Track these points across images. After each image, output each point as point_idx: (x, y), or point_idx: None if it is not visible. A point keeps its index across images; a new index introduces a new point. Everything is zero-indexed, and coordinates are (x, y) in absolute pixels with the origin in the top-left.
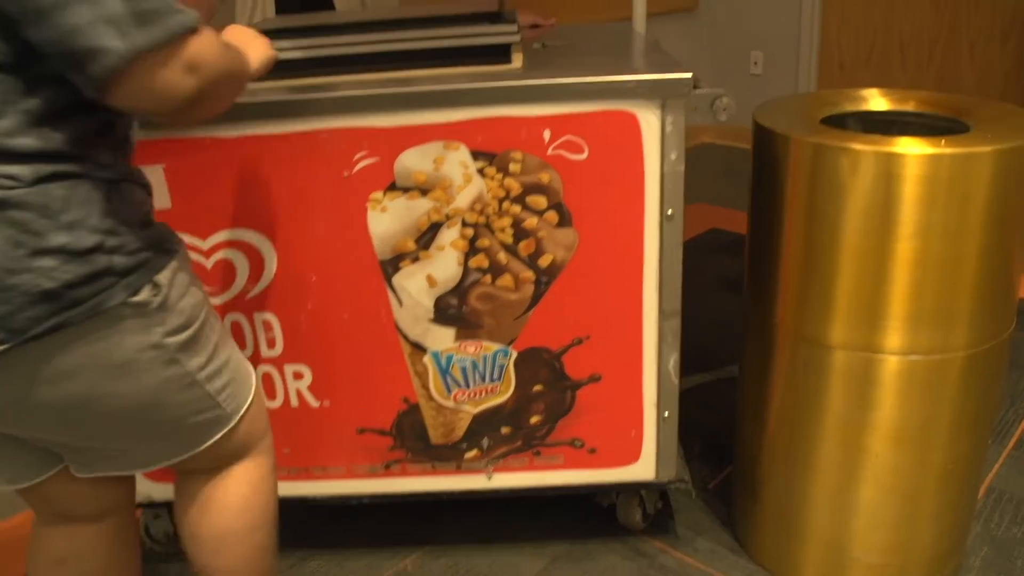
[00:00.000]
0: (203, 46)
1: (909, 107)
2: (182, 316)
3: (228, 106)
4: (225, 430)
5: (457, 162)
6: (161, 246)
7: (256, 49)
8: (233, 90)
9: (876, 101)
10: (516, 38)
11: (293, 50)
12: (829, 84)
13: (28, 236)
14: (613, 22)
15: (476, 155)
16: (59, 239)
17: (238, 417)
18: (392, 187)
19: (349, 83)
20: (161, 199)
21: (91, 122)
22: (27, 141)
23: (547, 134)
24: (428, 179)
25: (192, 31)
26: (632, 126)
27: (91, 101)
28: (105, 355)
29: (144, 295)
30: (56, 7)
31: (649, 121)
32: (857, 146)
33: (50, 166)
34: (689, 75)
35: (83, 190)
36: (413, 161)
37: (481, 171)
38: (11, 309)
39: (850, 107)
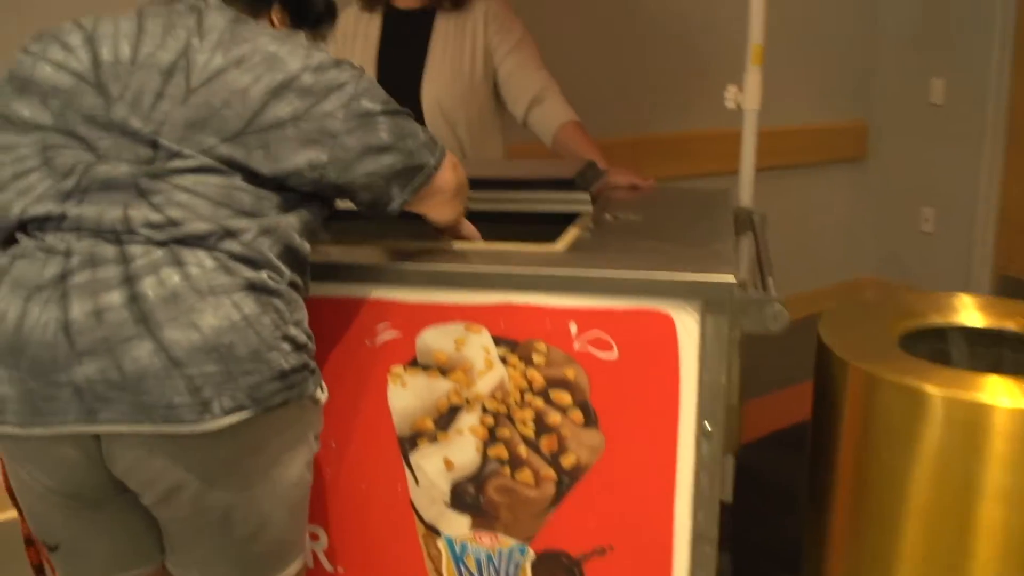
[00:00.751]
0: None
1: (1011, 325)
2: (322, 423)
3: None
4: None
5: (479, 346)
6: (314, 358)
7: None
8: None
9: (970, 314)
10: (584, 208)
11: None
12: (1008, 251)
13: (281, 323)
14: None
15: (498, 341)
16: (292, 331)
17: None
18: (413, 363)
19: (386, 247)
20: None
21: (310, 244)
22: (277, 258)
23: (573, 327)
24: (449, 360)
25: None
26: (667, 328)
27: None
28: (288, 435)
29: (319, 393)
30: (404, 136)
31: (686, 325)
32: (928, 387)
33: (292, 273)
34: (732, 278)
35: (300, 297)
36: (434, 339)
37: (503, 358)
38: (261, 381)
39: (939, 318)
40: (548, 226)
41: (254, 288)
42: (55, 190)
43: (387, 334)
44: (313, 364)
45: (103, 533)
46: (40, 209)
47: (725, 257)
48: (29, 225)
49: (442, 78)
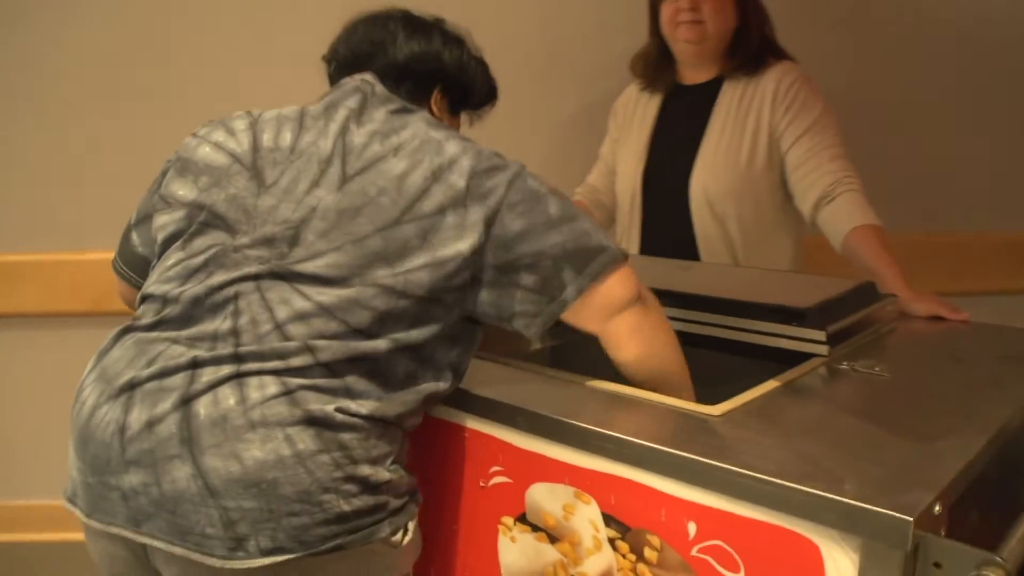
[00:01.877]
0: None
1: None
2: (407, 565)
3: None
4: None
5: (587, 519)
6: (414, 494)
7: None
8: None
9: None
10: (813, 349)
11: None
12: None
13: (346, 462)
14: None
15: (608, 520)
16: (364, 470)
17: None
18: (523, 518)
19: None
20: None
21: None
22: (364, 386)
23: (692, 528)
24: (557, 526)
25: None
26: (812, 560)
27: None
28: None
29: (398, 536)
30: (576, 215)
31: (838, 563)
32: None
33: (386, 405)
34: (910, 516)
35: (391, 431)
36: (543, 498)
37: (612, 542)
38: (309, 523)
39: None
40: (769, 363)
41: (315, 422)
42: (182, 267)
43: (499, 478)
44: (396, 503)
45: None
46: (158, 289)
47: (939, 470)
48: (147, 301)
49: (715, 163)
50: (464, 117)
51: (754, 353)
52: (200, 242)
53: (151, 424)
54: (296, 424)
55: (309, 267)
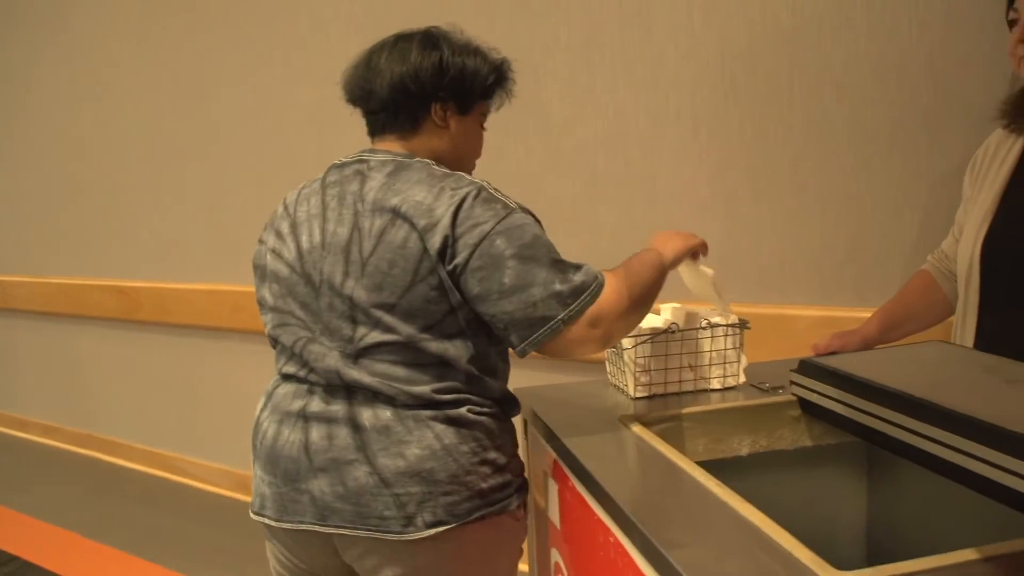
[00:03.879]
0: (604, 303)
1: None
2: (522, 540)
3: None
4: None
5: None
6: (522, 475)
7: (673, 245)
8: (647, 300)
9: None
10: None
11: (826, 398)
12: None
13: (480, 449)
14: None
15: None
16: (492, 455)
17: None
18: None
19: None
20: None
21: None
22: (486, 386)
23: None
24: None
25: (599, 292)
26: None
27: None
28: (489, 546)
29: (522, 510)
30: (529, 285)
31: None
32: None
33: (491, 404)
34: None
35: (503, 424)
36: None
37: None
38: (458, 500)
39: None
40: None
41: (453, 422)
42: (290, 353)
43: None
44: (518, 481)
45: None
46: (287, 369)
47: None
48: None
49: None
50: (494, 102)
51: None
52: (288, 337)
53: (331, 438)
54: (441, 424)
55: (368, 342)
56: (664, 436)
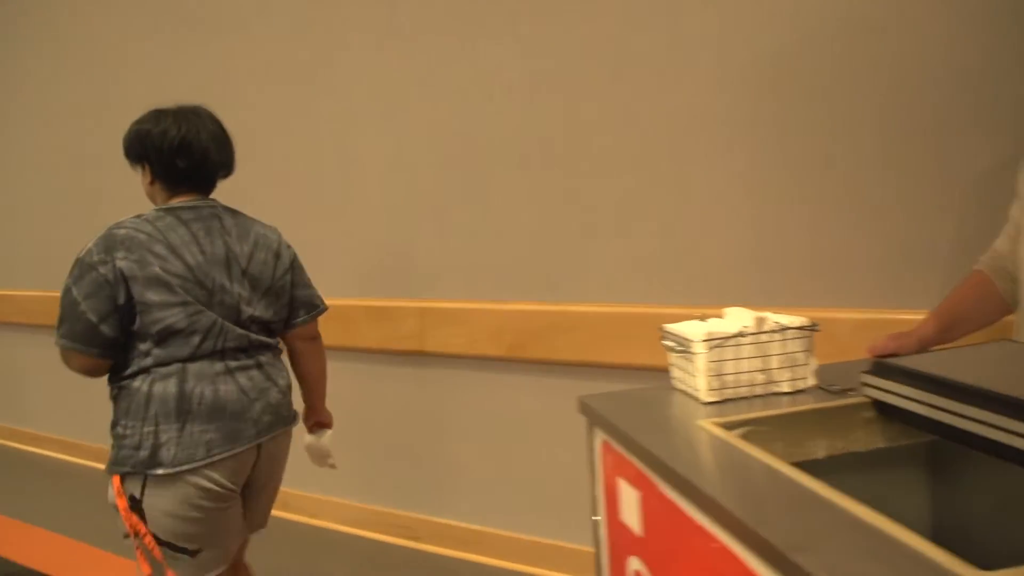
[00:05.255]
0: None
1: None
2: None
3: None
4: None
5: None
6: None
7: None
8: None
9: None
10: None
11: (905, 399)
12: None
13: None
14: None
15: None
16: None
17: None
18: None
19: None
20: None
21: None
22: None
23: None
24: None
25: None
26: None
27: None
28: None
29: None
30: (311, 285)
31: None
32: None
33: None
34: None
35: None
36: None
37: None
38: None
39: None
40: None
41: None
42: (208, 337)
43: None
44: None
45: (235, 519)
46: (205, 347)
47: None
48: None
49: None
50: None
51: None
52: (203, 322)
53: (251, 379)
54: (282, 366)
55: (247, 318)
56: (745, 439)
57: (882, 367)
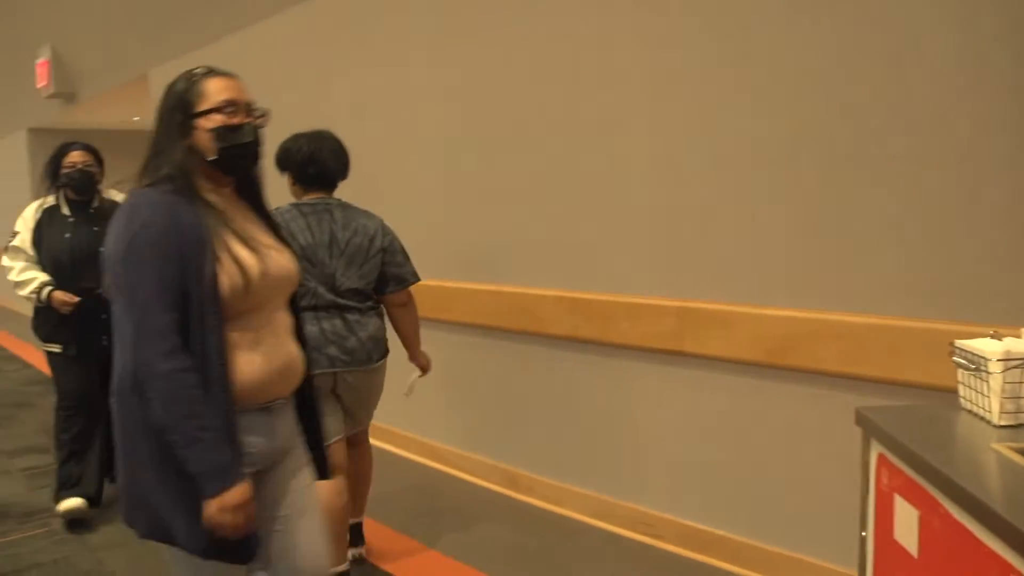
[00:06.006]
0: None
1: None
2: None
3: None
4: None
5: None
6: None
7: None
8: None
9: None
10: None
11: None
12: None
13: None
14: None
15: None
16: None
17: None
18: None
19: None
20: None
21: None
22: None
23: None
24: None
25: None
26: None
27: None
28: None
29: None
30: (404, 264)
31: None
32: None
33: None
34: None
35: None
36: None
37: None
38: (385, 350)
39: None
40: None
41: (378, 316)
42: (307, 296)
43: None
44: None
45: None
46: (305, 302)
47: None
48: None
49: None
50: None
51: None
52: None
53: (333, 327)
54: (376, 317)
55: (342, 287)
56: None
57: None
